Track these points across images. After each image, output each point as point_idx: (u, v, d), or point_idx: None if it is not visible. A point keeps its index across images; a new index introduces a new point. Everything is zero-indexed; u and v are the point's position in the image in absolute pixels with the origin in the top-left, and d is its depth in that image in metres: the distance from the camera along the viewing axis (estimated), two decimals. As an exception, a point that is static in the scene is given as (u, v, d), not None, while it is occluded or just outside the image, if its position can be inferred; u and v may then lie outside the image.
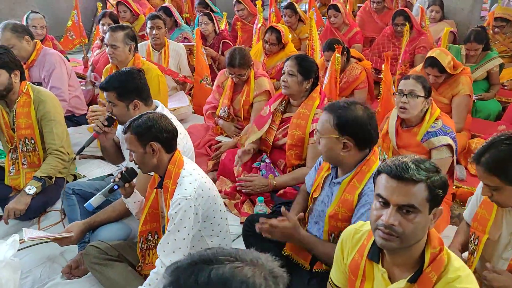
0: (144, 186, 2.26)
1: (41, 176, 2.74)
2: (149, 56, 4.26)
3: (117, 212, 2.40)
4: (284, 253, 2.17)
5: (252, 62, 3.41)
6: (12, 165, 2.93)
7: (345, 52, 3.88)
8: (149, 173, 2.15)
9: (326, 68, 4.00)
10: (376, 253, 1.51)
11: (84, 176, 3.19)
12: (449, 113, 3.45)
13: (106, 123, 2.45)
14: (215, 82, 3.72)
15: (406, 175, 1.36)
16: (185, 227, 1.98)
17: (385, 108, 3.18)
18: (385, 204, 1.39)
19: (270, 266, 0.90)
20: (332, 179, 2.04)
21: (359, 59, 4.08)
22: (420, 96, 2.60)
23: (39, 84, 3.64)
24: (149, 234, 2.20)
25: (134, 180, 2.25)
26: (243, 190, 2.88)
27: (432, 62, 3.41)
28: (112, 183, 2.15)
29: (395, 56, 4.57)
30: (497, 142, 1.76)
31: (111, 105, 2.44)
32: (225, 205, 2.95)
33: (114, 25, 3.35)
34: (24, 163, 2.87)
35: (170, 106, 4.12)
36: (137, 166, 2.09)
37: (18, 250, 2.46)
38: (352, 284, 1.59)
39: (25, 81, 2.85)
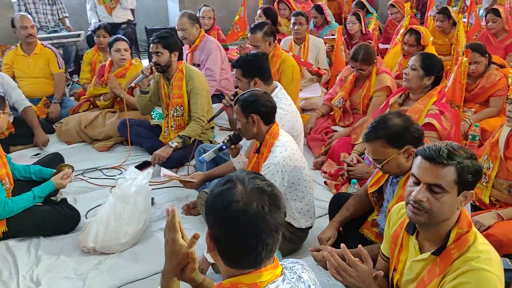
0: (250, 150, 2.71)
1: (182, 135, 3.41)
2: (291, 49, 4.70)
3: (230, 169, 2.88)
4: (361, 231, 2.38)
5: (376, 60, 3.58)
6: (167, 128, 3.69)
7: (486, 56, 3.74)
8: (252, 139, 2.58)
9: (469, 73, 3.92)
10: (411, 227, 1.67)
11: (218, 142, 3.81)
12: None
13: (233, 98, 2.96)
14: (339, 75, 3.98)
15: (437, 158, 1.49)
16: None
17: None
18: (417, 182, 1.55)
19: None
20: (392, 179, 2.16)
21: (501, 66, 3.87)
22: None
23: (198, 65, 4.46)
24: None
25: (242, 144, 2.71)
26: (344, 175, 3.13)
27: None
28: (221, 143, 2.65)
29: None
30: None
31: (237, 81, 2.95)
32: (326, 183, 3.26)
33: (252, 27, 3.82)
34: (173, 125, 3.57)
35: (304, 95, 4.55)
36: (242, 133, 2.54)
37: (158, 188, 3.19)
38: (392, 253, 1.77)
39: (181, 60, 3.53)
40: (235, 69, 2.96)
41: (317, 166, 3.50)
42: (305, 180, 2.49)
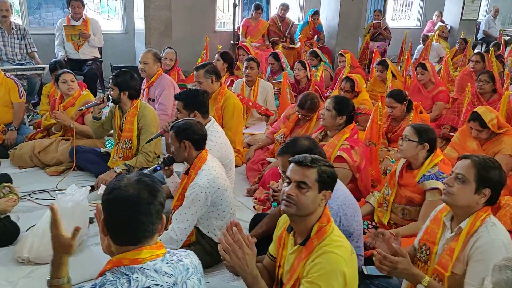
0: None
1: (128, 164, 3.71)
2: (243, 90, 5.16)
3: (164, 191, 3.20)
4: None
5: (319, 108, 4.02)
6: (115, 154, 3.97)
7: (405, 102, 4.23)
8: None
9: (389, 115, 4.42)
10: (290, 227, 2.04)
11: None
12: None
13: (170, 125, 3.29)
14: (284, 113, 4.41)
15: (304, 162, 1.92)
16: (194, 206, 2.65)
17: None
18: (289, 182, 1.94)
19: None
20: None
21: (421, 112, 4.37)
22: (411, 140, 2.89)
23: (153, 100, 4.83)
24: (180, 209, 2.92)
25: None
26: (270, 199, 3.46)
27: (474, 117, 3.67)
28: (156, 165, 2.96)
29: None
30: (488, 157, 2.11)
31: (178, 112, 3.30)
32: (254, 208, 3.58)
33: (197, 66, 4.30)
34: (121, 156, 3.86)
35: (249, 130, 4.95)
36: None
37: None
38: (278, 251, 2.11)
39: (137, 99, 3.85)
40: (177, 102, 3.32)
41: (250, 193, 3.83)
42: (227, 201, 2.80)
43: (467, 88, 4.62)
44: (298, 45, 8.26)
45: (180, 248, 2.67)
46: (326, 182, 1.91)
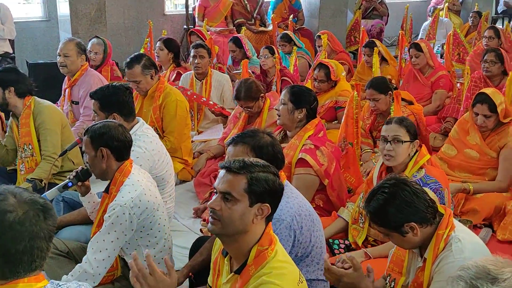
0: None
1: (31, 178, 3.76)
2: (192, 85, 5.27)
3: (81, 216, 3.26)
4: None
5: (262, 94, 4.16)
6: (20, 167, 3.96)
7: (389, 93, 4.39)
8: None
9: (372, 110, 4.58)
10: (225, 250, 2.11)
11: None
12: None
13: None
14: (232, 113, 4.53)
15: (231, 168, 1.97)
16: (115, 231, 2.70)
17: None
18: (217, 192, 2.02)
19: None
20: None
21: (410, 102, 4.54)
22: (405, 141, 3.04)
23: (77, 102, 4.91)
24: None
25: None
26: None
27: (483, 99, 3.82)
28: (67, 180, 3.03)
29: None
30: (377, 189, 2.26)
31: (94, 115, 3.39)
32: (201, 231, 3.67)
33: (129, 60, 4.31)
34: (22, 168, 3.90)
35: (202, 137, 5.05)
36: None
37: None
38: (213, 279, 2.19)
39: (30, 96, 3.90)
40: (92, 102, 3.41)
41: (198, 214, 3.92)
42: (159, 223, 2.85)
43: (465, 71, 4.79)
44: (271, 27, 8.42)
45: (99, 285, 2.73)
46: (260, 193, 1.95)
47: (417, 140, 3.10)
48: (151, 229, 2.82)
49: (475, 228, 3.56)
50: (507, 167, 3.76)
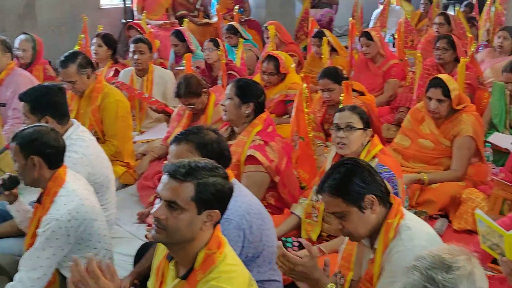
0: None
1: None
2: (132, 83, 5.20)
3: (15, 228, 3.17)
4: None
5: (205, 90, 4.15)
6: None
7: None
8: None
9: (324, 101, 4.64)
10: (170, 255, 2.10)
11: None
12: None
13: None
14: (175, 110, 4.51)
15: (176, 174, 1.93)
16: (50, 247, 2.64)
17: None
18: (161, 198, 2.00)
19: None
20: None
21: (361, 93, 4.62)
22: (358, 129, 3.11)
23: (4, 104, 4.77)
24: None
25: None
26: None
27: (437, 83, 3.95)
28: None
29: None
30: (336, 165, 2.31)
31: (25, 118, 3.31)
32: (147, 237, 3.63)
33: (63, 59, 4.19)
34: None
35: (144, 137, 5.01)
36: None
37: None
38: (154, 286, 2.17)
39: None
40: (22, 104, 3.32)
41: (142, 219, 3.88)
42: (99, 234, 2.82)
43: (417, 58, 4.92)
44: (215, 19, 8.41)
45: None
46: (209, 200, 1.94)
47: (370, 129, 3.17)
48: (90, 240, 2.79)
49: (431, 219, 3.66)
50: (462, 156, 3.89)
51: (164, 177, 1.98)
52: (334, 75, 4.50)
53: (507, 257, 2.18)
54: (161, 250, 2.23)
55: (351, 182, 2.20)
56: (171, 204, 1.93)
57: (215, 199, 1.96)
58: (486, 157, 4.24)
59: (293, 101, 4.76)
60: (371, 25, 9.34)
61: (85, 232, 2.74)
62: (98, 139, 4.19)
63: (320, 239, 3.24)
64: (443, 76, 4.07)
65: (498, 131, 4.72)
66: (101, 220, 2.87)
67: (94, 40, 5.82)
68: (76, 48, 6.45)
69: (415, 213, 3.35)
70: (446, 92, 3.90)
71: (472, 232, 3.43)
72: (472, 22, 8.05)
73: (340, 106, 3.77)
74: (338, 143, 3.16)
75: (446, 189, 3.78)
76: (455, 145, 3.93)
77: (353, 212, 2.21)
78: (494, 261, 2.44)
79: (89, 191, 2.90)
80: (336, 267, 2.50)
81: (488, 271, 3.08)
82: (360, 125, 3.12)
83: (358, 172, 2.23)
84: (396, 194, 3.01)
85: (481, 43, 7.33)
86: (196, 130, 2.59)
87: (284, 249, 2.18)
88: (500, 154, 4.45)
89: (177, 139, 2.54)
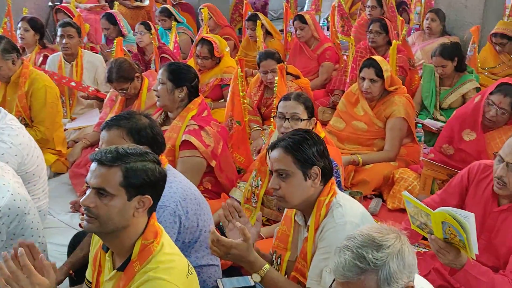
0: None
1: None
2: (61, 68, 5.07)
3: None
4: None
5: (138, 74, 4.09)
6: None
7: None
8: None
9: (262, 82, 4.66)
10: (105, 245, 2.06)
11: None
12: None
13: None
14: (108, 95, 4.43)
15: (102, 160, 1.90)
16: None
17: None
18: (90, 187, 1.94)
19: None
20: None
21: (297, 77, 4.67)
22: (303, 119, 3.14)
23: None
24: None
25: None
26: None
27: (370, 63, 4.05)
28: None
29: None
30: (298, 131, 2.39)
31: None
32: (81, 226, 3.57)
33: None
34: None
35: (75, 124, 4.90)
36: None
37: None
38: (93, 276, 2.13)
39: None
40: None
41: (76, 207, 3.80)
42: (31, 228, 2.74)
43: (350, 41, 5.02)
44: (147, 2, 8.29)
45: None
46: (139, 185, 1.91)
47: (314, 118, 3.21)
48: (22, 235, 2.71)
49: (366, 199, 3.77)
50: (394, 137, 4.00)
51: (92, 165, 1.94)
52: (277, 56, 4.55)
53: (435, 235, 2.26)
54: (96, 241, 2.19)
55: (307, 147, 2.25)
56: (100, 191, 1.89)
57: (145, 184, 1.93)
58: (417, 138, 4.39)
59: (229, 85, 4.77)
60: (306, 8, 9.40)
61: (18, 227, 2.66)
62: (26, 125, 4.12)
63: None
64: (376, 57, 4.17)
65: (429, 112, 4.89)
66: (34, 213, 2.78)
67: (20, 24, 5.61)
68: (0, 32, 6.26)
69: (350, 193, 3.45)
70: (379, 72, 4.00)
71: (405, 210, 3.54)
72: (403, 6, 8.25)
73: (275, 90, 3.80)
74: (282, 133, 3.16)
75: (379, 169, 3.89)
76: (388, 126, 4.04)
77: (296, 175, 2.25)
78: (425, 238, 2.53)
79: (19, 183, 2.81)
80: (271, 248, 2.52)
81: (420, 248, 3.22)
82: (305, 116, 3.16)
83: (317, 143, 2.28)
84: (339, 183, 3.07)
85: (412, 26, 7.52)
86: (128, 116, 2.54)
87: (218, 234, 2.19)
88: (431, 134, 4.63)
89: (108, 125, 2.49)
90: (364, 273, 1.59)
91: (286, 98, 3.24)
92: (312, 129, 3.18)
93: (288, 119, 3.15)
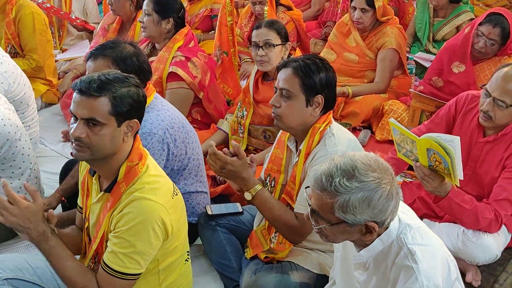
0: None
1: None
2: (50, -1, 5.00)
3: None
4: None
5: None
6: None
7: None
8: None
9: (252, 14, 4.60)
10: (92, 169, 2.12)
11: None
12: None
13: None
14: (100, 24, 4.38)
15: (88, 91, 1.91)
16: None
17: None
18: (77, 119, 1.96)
19: None
20: None
21: (289, 8, 4.61)
22: (277, 45, 3.15)
23: None
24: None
25: None
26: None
27: None
28: None
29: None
30: (314, 56, 2.39)
31: None
32: (72, 154, 3.60)
33: None
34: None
35: (66, 55, 4.88)
36: None
37: None
38: (82, 200, 2.21)
39: None
40: None
41: (67, 137, 3.83)
42: (23, 153, 2.79)
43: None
44: None
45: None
46: (127, 111, 1.95)
47: (289, 42, 3.21)
48: (14, 160, 2.77)
49: (354, 130, 3.82)
50: (385, 68, 4.01)
51: (76, 95, 1.95)
52: None
53: (420, 162, 2.31)
54: (83, 167, 2.25)
55: (316, 74, 2.27)
56: (90, 122, 1.92)
57: (132, 109, 1.97)
58: (409, 70, 4.39)
59: (217, 15, 4.72)
60: None
61: (8, 152, 2.71)
62: (17, 54, 4.17)
63: (246, 152, 3.29)
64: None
65: (421, 44, 4.86)
66: (25, 139, 2.83)
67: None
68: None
69: (339, 125, 3.48)
70: (370, 1, 3.95)
71: (393, 142, 3.59)
72: None
73: (265, 18, 3.77)
74: (258, 61, 3.20)
75: (369, 101, 3.91)
76: (379, 58, 4.04)
77: (299, 99, 2.28)
78: (411, 168, 2.57)
79: (10, 109, 2.84)
80: (263, 171, 2.59)
81: (407, 178, 3.29)
82: (279, 41, 3.16)
83: (328, 71, 2.29)
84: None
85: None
86: (113, 44, 2.53)
87: (215, 149, 2.25)
88: (422, 67, 4.61)
89: (93, 55, 2.49)
90: (324, 192, 1.65)
91: (258, 26, 3.25)
92: (290, 54, 3.19)
93: (261, 46, 3.16)
